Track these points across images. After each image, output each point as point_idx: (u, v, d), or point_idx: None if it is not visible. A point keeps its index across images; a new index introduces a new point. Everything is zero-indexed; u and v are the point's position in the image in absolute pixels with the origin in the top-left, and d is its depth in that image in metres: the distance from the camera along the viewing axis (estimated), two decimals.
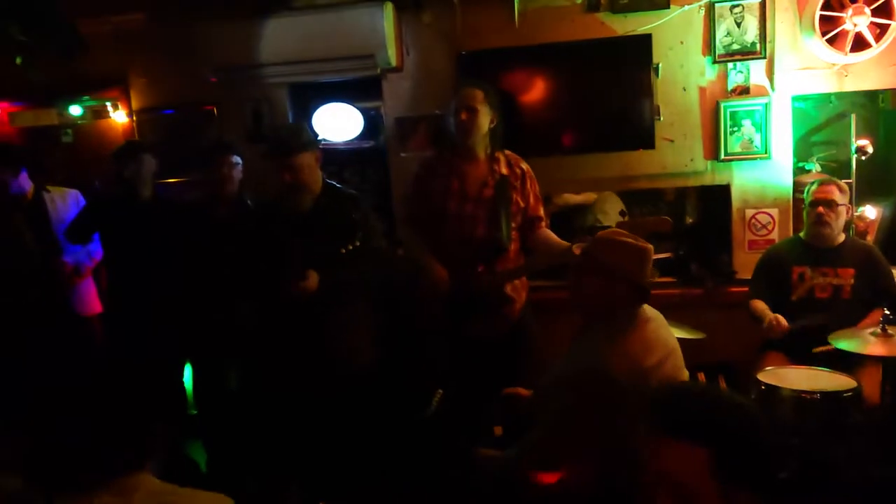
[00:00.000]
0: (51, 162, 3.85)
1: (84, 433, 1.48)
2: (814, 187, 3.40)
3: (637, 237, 2.30)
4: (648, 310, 2.32)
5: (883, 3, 3.44)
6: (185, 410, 4.08)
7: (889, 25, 3.45)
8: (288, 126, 3.16)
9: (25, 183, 3.82)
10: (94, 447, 1.49)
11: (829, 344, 2.91)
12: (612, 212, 4.32)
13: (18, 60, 3.24)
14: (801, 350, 3.14)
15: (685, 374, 2.34)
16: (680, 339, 3.01)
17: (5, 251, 3.72)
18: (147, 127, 4.50)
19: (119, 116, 4.50)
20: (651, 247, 2.27)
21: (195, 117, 4.43)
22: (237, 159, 3.70)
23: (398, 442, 3.17)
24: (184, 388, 4.03)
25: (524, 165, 3.30)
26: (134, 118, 4.51)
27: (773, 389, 2.79)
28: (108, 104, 4.47)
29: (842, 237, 3.42)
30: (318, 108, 4.31)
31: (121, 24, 4.35)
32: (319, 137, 3.41)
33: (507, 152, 3.30)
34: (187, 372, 4.01)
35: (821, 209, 3.34)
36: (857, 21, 3.46)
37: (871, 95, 4.03)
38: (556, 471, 2.20)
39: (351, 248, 2.90)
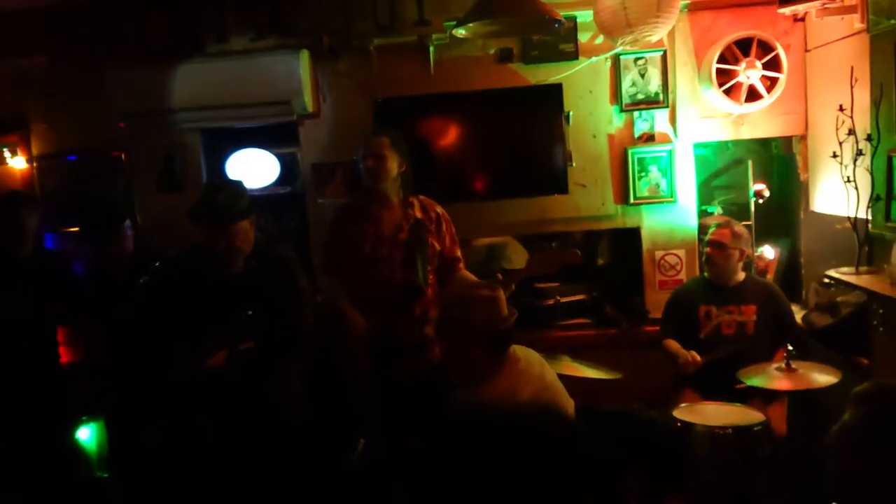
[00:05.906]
0: None
1: None
2: (712, 229, 3.58)
3: (488, 285, 2.38)
4: (519, 350, 2.37)
5: (772, 58, 3.71)
6: (86, 472, 3.85)
7: (778, 78, 3.72)
8: (225, 191, 2.89)
9: None
10: None
11: (738, 378, 3.03)
12: (514, 258, 4.35)
13: None
14: (713, 385, 3.25)
15: (569, 406, 2.34)
16: (597, 380, 3.10)
17: None
18: (49, 174, 4.28)
19: (17, 163, 4.28)
20: (499, 293, 2.32)
21: (102, 164, 4.24)
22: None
23: (324, 492, 3.06)
24: (78, 448, 3.80)
25: (439, 209, 3.33)
26: (34, 164, 4.29)
27: (688, 426, 2.87)
28: (6, 150, 4.25)
29: (741, 275, 3.57)
30: (232, 154, 4.23)
31: (20, 66, 4.17)
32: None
33: (422, 197, 3.32)
34: (89, 432, 3.78)
35: (709, 250, 3.53)
36: (750, 74, 3.70)
37: (765, 143, 4.30)
38: None
39: (251, 313, 2.80)
